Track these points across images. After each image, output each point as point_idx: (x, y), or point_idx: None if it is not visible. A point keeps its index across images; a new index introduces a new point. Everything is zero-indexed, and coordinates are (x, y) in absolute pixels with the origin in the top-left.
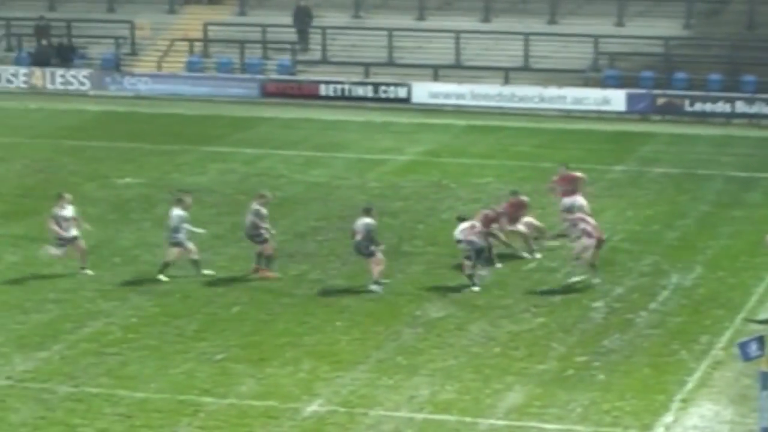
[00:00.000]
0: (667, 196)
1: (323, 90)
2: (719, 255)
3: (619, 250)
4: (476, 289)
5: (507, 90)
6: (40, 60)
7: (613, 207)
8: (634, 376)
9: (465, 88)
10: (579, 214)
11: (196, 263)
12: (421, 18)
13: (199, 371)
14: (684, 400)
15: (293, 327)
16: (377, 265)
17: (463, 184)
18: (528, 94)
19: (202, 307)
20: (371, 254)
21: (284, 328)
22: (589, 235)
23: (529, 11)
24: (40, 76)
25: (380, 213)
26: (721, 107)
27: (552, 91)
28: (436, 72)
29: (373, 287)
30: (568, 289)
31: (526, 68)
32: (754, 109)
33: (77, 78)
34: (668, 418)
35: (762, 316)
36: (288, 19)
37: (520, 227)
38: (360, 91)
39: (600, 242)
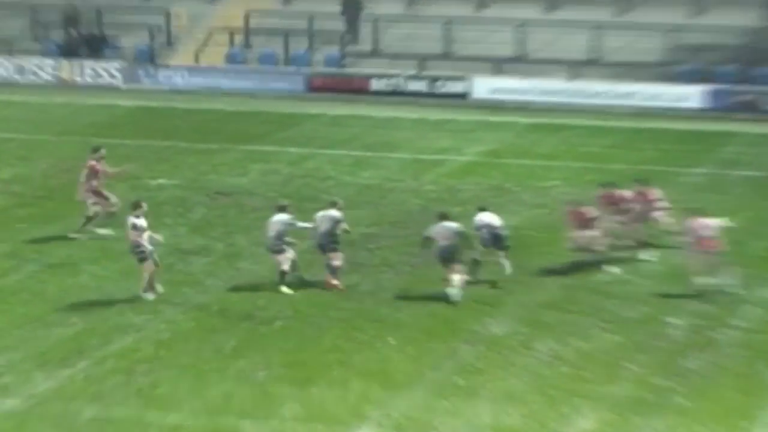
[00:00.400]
0: (750, 201)
1: (374, 84)
2: None
3: None
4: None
5: (574, 85)
6: (68, 51)
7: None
8: (716, 400)
9: (528, 83)
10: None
11: (290, 270)
12: (481, 7)
13: (238, 392)
14: None
15: (341, 343)
16: (460, 273)
17: (526, 188)
18: (597, 90)
19: (242, 322)
20: (459, 261)
21: (331, 344)
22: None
23: (599, 1)
24: (67, 69)
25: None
26: None
27: (623, 87)
28: (498, 65)
29: (453, 293)
30: (644, 304)
31: (594, 62)
32: None
33: (108, 71)
34: None
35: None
36: (336, 8)
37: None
38: (414, 85)
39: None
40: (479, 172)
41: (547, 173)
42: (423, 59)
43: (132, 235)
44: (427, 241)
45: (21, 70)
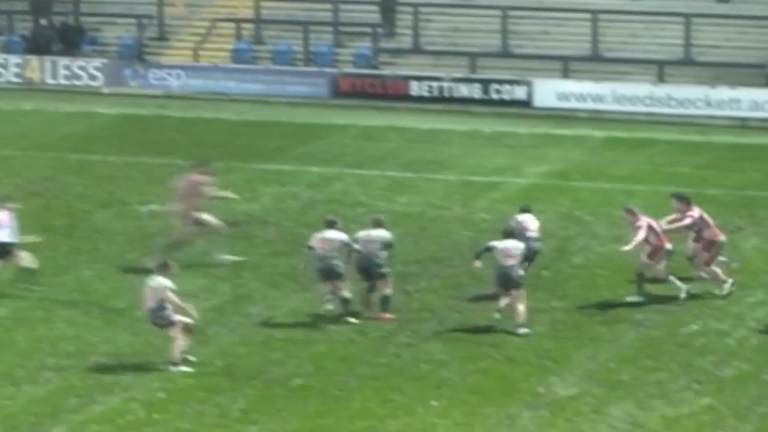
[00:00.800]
0: None
1: (414, 89)
2: None
3: None
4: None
5: (661, 90)
6: (37, 46)
7: None
8: None
9: (605, 88)
10: None
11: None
12: None
13: None
14: None
15: (373, 407)
16: (523, 303)
17: (600, 217)
18: (689, 97)
19: (252, 380)
20: (520, 286)
21: (361, 407)
22: None
23: None
24: (37, 68)
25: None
26: None
27: (722, 93)
28: (567, 66)
29: (523, 330)
30: (742, 359)
31: (686, 61)
32: None
33: (86, 70)
34: None
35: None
36: None
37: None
38: (464, 90)
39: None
40: (543, 197)
41: (627, 199)
42: (474, 57)
43: (156, 295)
44: (486, 251)
45: None
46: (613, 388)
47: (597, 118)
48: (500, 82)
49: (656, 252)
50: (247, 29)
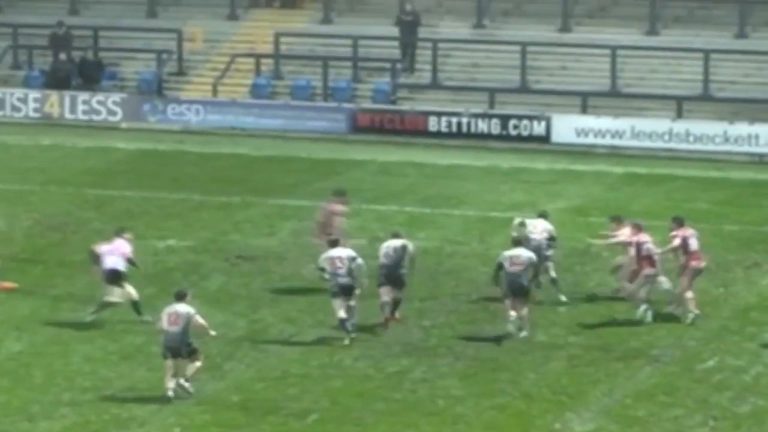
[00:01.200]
0: None
1: (433, 124)
2: None
3: None
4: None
5: (680, 126)
6: (56, 81)
7: None
8: None
9: (623, 124)
10: None
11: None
12: (565, 29)
13: None
14: None
15: None
16: (527, 308)
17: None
18: (708, 132)
19: (268, 415)
20: (529, 293)
21: None
22: None
23: (711, 21)
24: (56, 103)
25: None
26: None
27: (741, 128)
28: (585, 101)
29: (523, 333)
30: (759, 395)
31: (705, 97)
32: None
33: (105, 105)
34: None
35: None
36: (388, 30)
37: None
38: (482, 126)
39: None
40: (560, 233)
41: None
42: (493, 93)
43: (183, 321)
44: (499, 270)
45: None
46: (629, 424)
47: (615, 153)
48: (519, 117)
49: (634, 274)
50: (266, 64)
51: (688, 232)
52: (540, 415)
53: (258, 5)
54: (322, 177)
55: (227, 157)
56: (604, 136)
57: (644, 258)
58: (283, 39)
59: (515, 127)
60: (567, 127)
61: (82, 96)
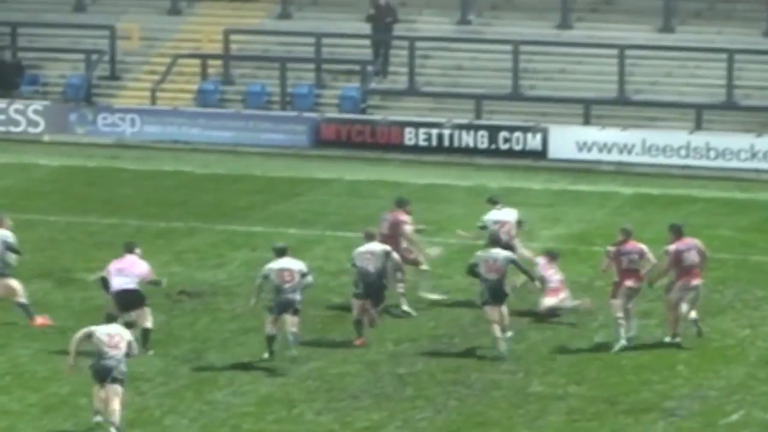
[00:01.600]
0: None
1: (410, 137)
2: None
3: None
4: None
5: (699, 139)
6: None
7: None
8: None
9: (633, 136)
10: None
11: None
12: (564, 26)
13: None
14: None
15: None
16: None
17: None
18: (731, 147)
19: None
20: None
21: None
22: None
23: (735, 16)
24: None
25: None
26: None
27: None
28: (588, 110)
29: (508, 334)
30: None
31: (729, 105)
32: None
33: (25, 114)
34: None
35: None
36: (357, 25)
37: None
38: (468, 139)
39: None
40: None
41: None
42: (480, 100)
43: (124, 345)
44: (473, 270)
45: None
46: None
47: (623, 171)
48: (510, 129)
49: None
50: (214, 67)
51: (686, 243)
52: None
53: None
54: (280, 199)
55: (168, 175)
56: (610, 151)
57: (625, 270)
58: (233, 37)
59: (506, 140)
60: (567, 140)
61: None
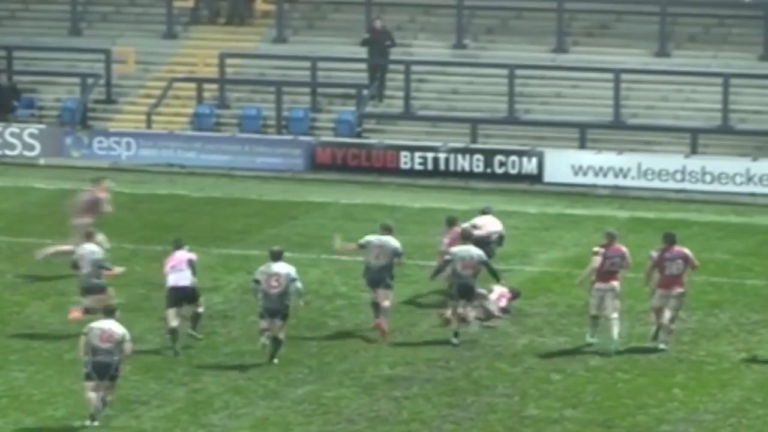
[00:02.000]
0: None
1: (405, 161)
2: None
3: None
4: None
5: (695, 163)
6: None
7: None
8: None
9: (629, 160)
10: None
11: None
12: (560, 50)
13: None
14: None
15: None
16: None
17: (624, 311)
18: (727, 171)
19: None
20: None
21: None
22: None
23: (731, 40)
24: None
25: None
26: None
27: (766, 166)
28: (584, 134)
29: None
30: None
31: (724, 129)
32: None
33: (21, 138)
34: None
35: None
36: (353, 49)
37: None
38: (463, 162)
39: None
40: (554, 288)
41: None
42: (476, 124)
43: (116, 342)
44: (446, 264)
45: None
46: None
47: (619, 195)
48: (506, 153)
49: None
50: (210, 90)
51: (672, 253)
52: None
53: (200, 22)
54: (275, 222)
55: (164, 198)
56: (605, 175)
57: (605, 272)
58: (229, 61)
59: (502, 164)
60: (562, 164)
61: None
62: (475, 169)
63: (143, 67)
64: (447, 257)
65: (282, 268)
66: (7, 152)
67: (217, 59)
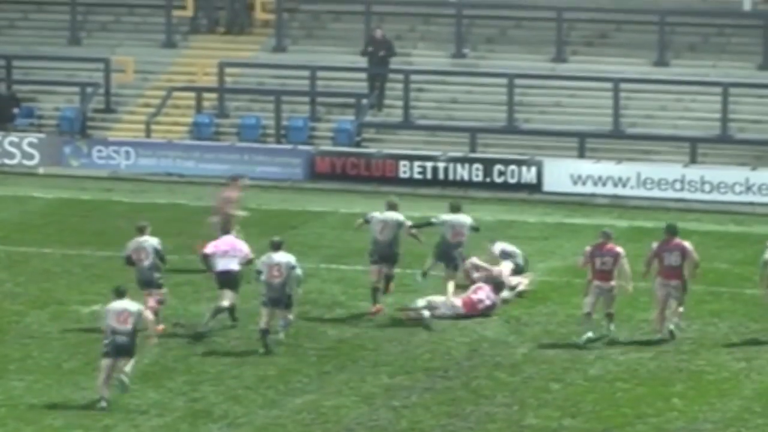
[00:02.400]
0: None
1: (404, 170)
2: None
3: None
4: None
5: (694, 172)
6: None
7: None
8: None
9: (628, 170)
10: None
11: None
12: (559, 59)
13: None
14: None
15: None
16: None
17: (621, 321)
18: (726, 180)
19: None
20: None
21: None
22: None
23: (730, 50)
24: None
25: (491, 366)
26: None
27: (765, 175)
28: (583, 143)
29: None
30: None
31: (723, 139)
32: None
33: (20, 147)
34: None
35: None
36: (352, 58)
37: None
38: (463, 172)
39: None
40: (553, 297)
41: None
42: (475, 133)
43: (134, 319)
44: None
45: None
46: None
47: (618, 204)
48: (505, 162)
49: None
50: (209, 100)
51: (671, 245)
52: None
53: (199, 31)
54: (274, 231)
55: (162, 208)
56: (605, 184)
57: (598, 271)
58: (228, 70)
59: (501, 173)
60: (561, 173)
61: None
62: (474, 179)
63: (142, 77)
64: (434, 220)
65: (282, 257)
66: (6, 161)
67: (216, 68)
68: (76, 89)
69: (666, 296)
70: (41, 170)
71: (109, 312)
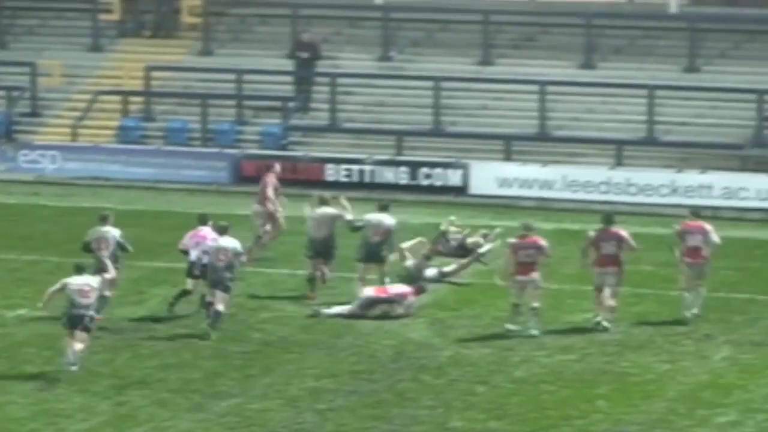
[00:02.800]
0: None
1: (331, 173)
2: None
3: None
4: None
5: (619, 175)
6: None
7: None
8: None
9: (554, 172)
10: None
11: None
12: (485, 62)
13: None
14: None
15: None
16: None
17: (546, 324)
18: (652, 182)
19: None
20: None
21: None
22: None
23: (656, 52)
24: None
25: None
26: None
27: (690, 177)
28: (509, 146)
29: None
30: None
31: (649, 141)
32: None
33: None
34: None
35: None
36: (278, 62)
37: None
38: (388, 175)
39: None
40: (478, 299)
41: (579, 303)
42: (401, 136)
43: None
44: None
45: None
46: None
47: (544, 207)
48: (431, 165)
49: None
50: (136, 103)
51: (607, 234)
52: None
53: (126, 35)
54: None
55: (89, 211)
56: (530, 187)
57: (520, 264)
58: (154, 74)
59: (427, 176)
60: (487, 176)
61: None
62: (401, 182)
63: (69, 80)
64: (359, 223)
65: (229, 243)
66: None
67: (142, 72)
68: (2, 93)
69: (601, 284)
70: None
71: (71, 286)
